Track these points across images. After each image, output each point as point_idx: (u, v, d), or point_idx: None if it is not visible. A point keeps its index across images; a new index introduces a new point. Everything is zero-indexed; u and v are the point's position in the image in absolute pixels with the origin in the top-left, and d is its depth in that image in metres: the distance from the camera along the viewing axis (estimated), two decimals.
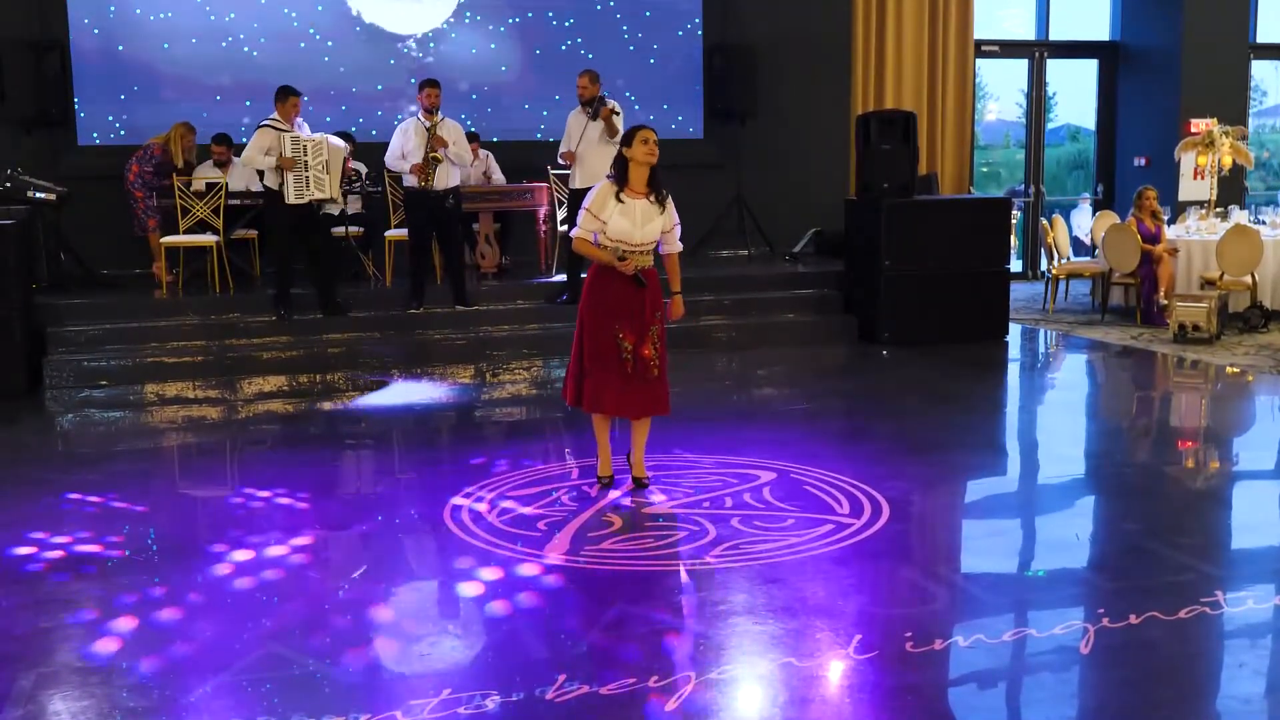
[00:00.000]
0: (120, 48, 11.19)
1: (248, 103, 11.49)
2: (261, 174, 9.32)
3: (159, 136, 10.30)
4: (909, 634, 4.04)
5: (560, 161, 9.86)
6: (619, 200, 5.52)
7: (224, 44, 11.42)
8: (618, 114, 9.24)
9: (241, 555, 5.04)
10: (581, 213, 5.60)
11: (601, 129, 9.34)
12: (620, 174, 5.58)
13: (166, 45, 11.29)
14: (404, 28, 11.86)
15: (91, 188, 10.60)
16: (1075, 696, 3.75)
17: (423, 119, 9.37)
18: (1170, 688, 3.74)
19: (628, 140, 5.63)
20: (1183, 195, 13.04)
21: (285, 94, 9.22)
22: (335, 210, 9.84)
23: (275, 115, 9.17)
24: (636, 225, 5.50)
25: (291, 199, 9.02)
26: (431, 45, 11.90)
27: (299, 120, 9.30)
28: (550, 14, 12.16)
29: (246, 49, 11.48)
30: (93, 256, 10.54)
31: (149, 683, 3.78)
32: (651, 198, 5.57)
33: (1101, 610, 4.23)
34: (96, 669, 3.89)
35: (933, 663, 3.88)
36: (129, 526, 5.49)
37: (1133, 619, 4.13)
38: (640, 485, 5.80)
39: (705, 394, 8.35)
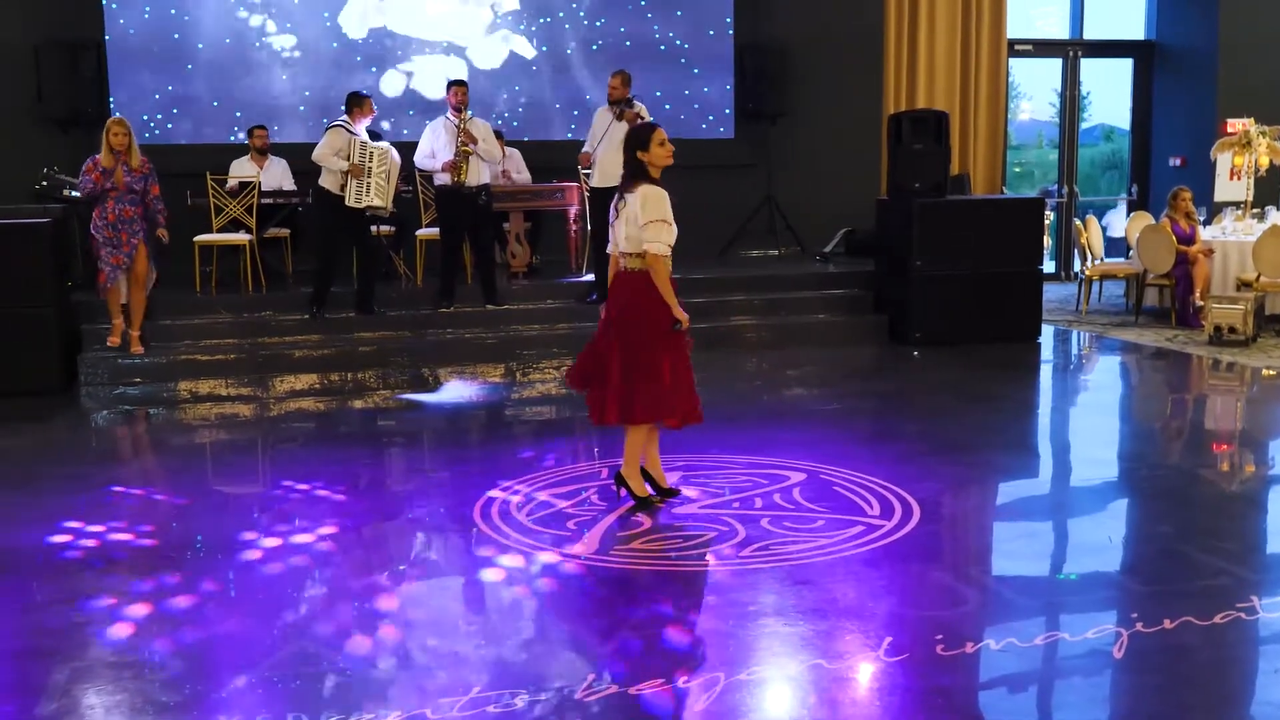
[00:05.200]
0: (155, 48, 11.28)
1: (281, 101, 11.57)
2: (314, 175, 9.40)
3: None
4: (940, 636, 4.01)
5: (579, 165, 9.87)
6: None
7: (257, 44, 11.50)
8: (643, 118, 9.23)
9: (273, 552, 5.07)
10: (659, 226, 5.24)
11: (627, 130, 9.34)
12: (646, 177, 5.33)
13: (201, 45, 11.37)
14: (437, 28, 11.91)
15: None
16: (1107, 701, 3.72)
17: (451, 117, 9.42)
18: (1204, 693, 3.70)
19: (643, 144, 5.32)
20: (1219, 196, 12.91)
21: (360, 99, 9.42)
22: (386, 214, 9.89)
23: (346, 118, 9.29)
24: None
25: (350, 202, 9.14)
26: (462, 44, 11.94)
27: (363, 125, 9.40)
28: (582, 14, 12.17)
29: (279, 48, 11.56)
30: None
31: (181, 678, 3.81)
32: None
33: (1135, 615, 4.19)
34: (129, 664, 3.92)
35: (964, 666, 3.85)
36: (161, 522, 5.53)
37: (1167, 624, 4.09)
38: (671, 494, 5.70)
39: (735, 394, 8.33)
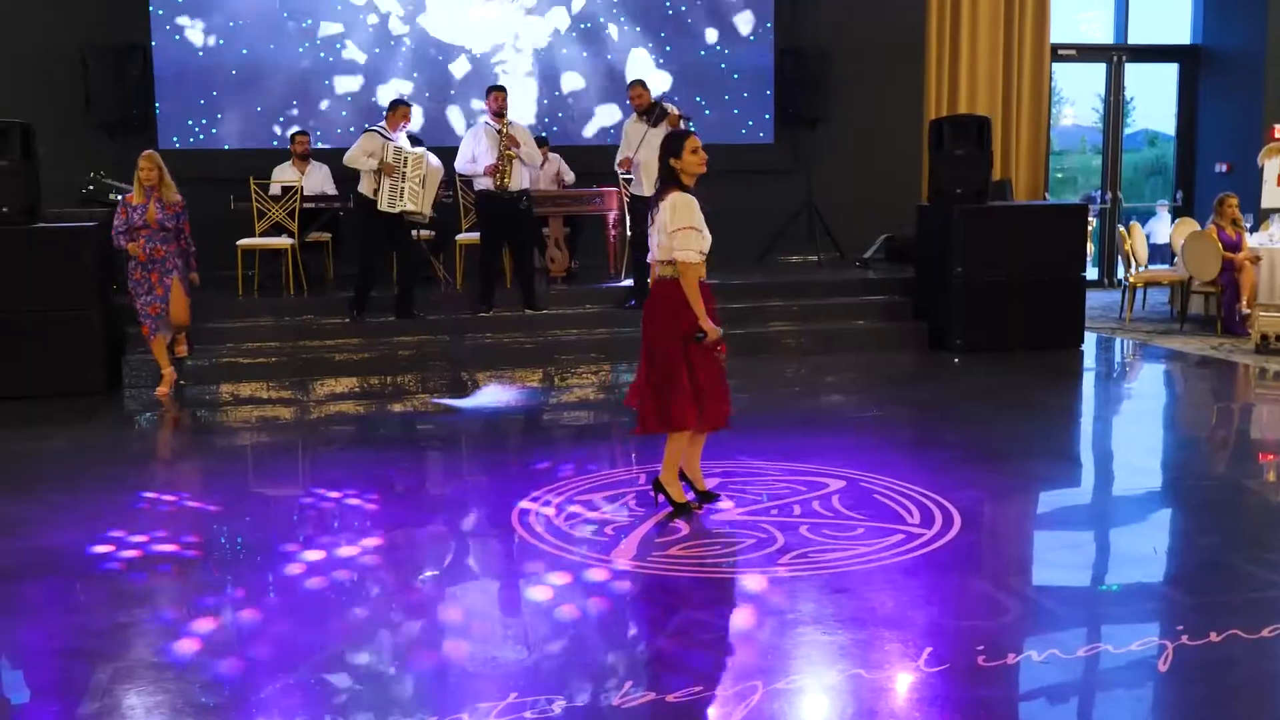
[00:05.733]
0: (200, 53, 11.39)
1: (322, 106, 11.66)
2: (355, 180, 9.47)
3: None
4: (981, 647, 3.97)
5: (617, 170, 9.83)
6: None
7: (301, 49, 11.59)
8: (687, 119, 9.20)
9: (312, 555, 5.10)
10: (688, 234, 5.19)
11: (663, 136, 9.31)
12: (679, 186, 5.30)
13: (245, 50, 11.48)
14: (477, 34, 11.96)
15: None
16: (1151, 715, 3.66)
17: (491, 122, 9.45)
18: (1252, 708, 3.65)
19: (676, 151, 5.30)
20: (1265, 202, 12.72)
21: (394, 105, 9.48)
22: (423, 219, 9.93)
23: (383, 123, 9.35)
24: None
25: (383, 206, 9.18)
26: (502, 50, 11.98)
27: (401, 132, 9.42)
28: (621, 18, 12.19)
29: (323, 54, 11.64)
30: None
31: (221, 680, 3.83)
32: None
33: (1180, 627, 4.13)
34: (170, 665, 3.95)
35: (1005, 677, 3.81)
36: (203, 525, 5.58)
37: (1213, 636, 4.02)
38: (713, 498, 5.69)
39: (774, 400, 8.30)
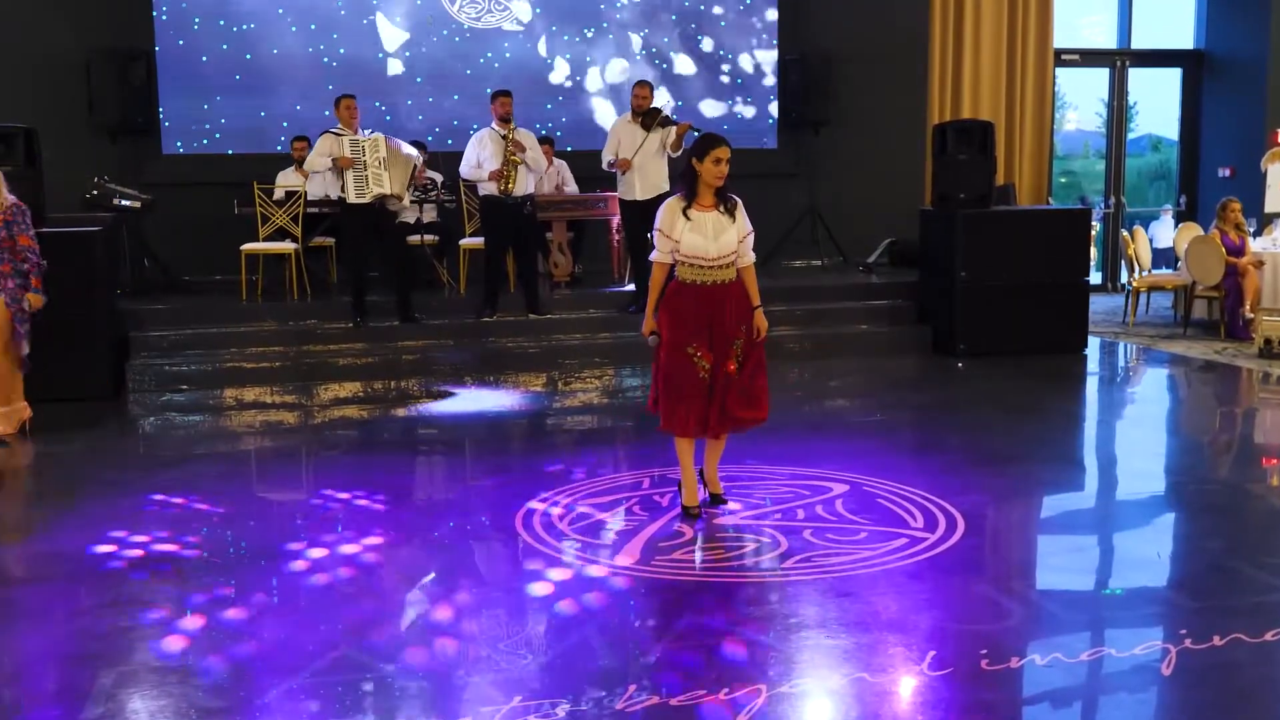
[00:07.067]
0: (204, 58, 11.41)
1: (326, 112, 11.64)
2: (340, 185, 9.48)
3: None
4: (984, 651, 3.97)
5: (607, 169, 9.66)
6: (686, 216, 5.32)
7: (306, 53, 11.60)
8: (696, 130, 9.16)
9: (316, 559, 5.10)
10: (654, 235, 5.43)
11: (659, 140, 9.32)
12: (690, 186, 5.37)
13: (249, 56, 11.49)
14: (480, 39, 11.96)
15: (175, 195, 10.84)
16: (1155, 719, 3.66)
17: (496, 127, 9.45)
18: (1255, 711, 3.64)
19: (700, 154, 5.35)
20: (1269, 207, 12.73)
21: (338, 101, 9.47)
22: (411, 219, 9.94)
23: (340, 125, 9.35)
24: (709, 239, 5.30)
25: (353, 198, 9.14)
26: (507, 55, 11.99)
27: (365, 129, 9.40)
28: (625, 24, 12.20)
29: (327, 59, 11.65)
30: (176, 263, 10.76)
31: (224, 683, 3.83)
32: (720, 208, 5.37)
33: (1184, 631, 4.13)
34: (174, 669, 3.95)
35: (1008, 681, 3.81)
36: (206, 528, 5.58)
37: (1216, 640, 4.02)
38: (719, 501, 5.71)
39: (777, 405, 8.21)
